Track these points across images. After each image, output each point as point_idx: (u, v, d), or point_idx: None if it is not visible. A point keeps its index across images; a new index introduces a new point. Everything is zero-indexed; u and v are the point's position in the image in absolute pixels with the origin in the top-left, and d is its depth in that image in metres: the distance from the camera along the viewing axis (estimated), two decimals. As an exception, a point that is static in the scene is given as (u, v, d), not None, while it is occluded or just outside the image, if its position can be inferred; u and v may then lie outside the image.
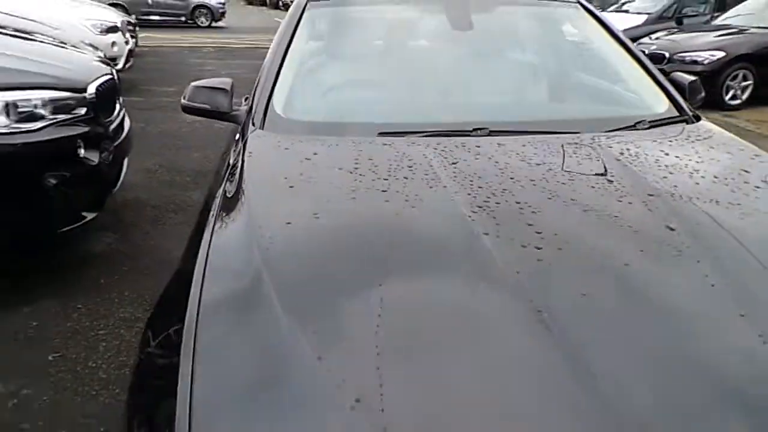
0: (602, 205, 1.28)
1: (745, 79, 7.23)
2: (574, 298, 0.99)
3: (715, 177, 1.48)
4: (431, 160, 1.47)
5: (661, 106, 1.97)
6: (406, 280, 1.07)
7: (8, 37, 3.02)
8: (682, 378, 0.85)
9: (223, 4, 20.12)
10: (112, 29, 7.08)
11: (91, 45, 5.73)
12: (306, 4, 2.21)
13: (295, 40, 2.07)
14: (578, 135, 1.66)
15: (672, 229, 1.19)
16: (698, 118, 1.94)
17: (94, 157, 2.66)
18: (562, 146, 1.59)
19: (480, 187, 1.33)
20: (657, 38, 8.00)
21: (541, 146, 1.59)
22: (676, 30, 8.41)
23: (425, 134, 1.64)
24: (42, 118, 2.45)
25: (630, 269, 1.08)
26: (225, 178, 1.52)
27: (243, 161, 1.52)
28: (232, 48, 12.95)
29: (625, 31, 8.37)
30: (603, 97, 2.09)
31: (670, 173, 1.46)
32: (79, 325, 2.43)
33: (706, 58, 7.14)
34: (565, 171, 1.44)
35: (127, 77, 7.76)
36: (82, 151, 2.60)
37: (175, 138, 5.32)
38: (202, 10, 19.15)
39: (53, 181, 2.43)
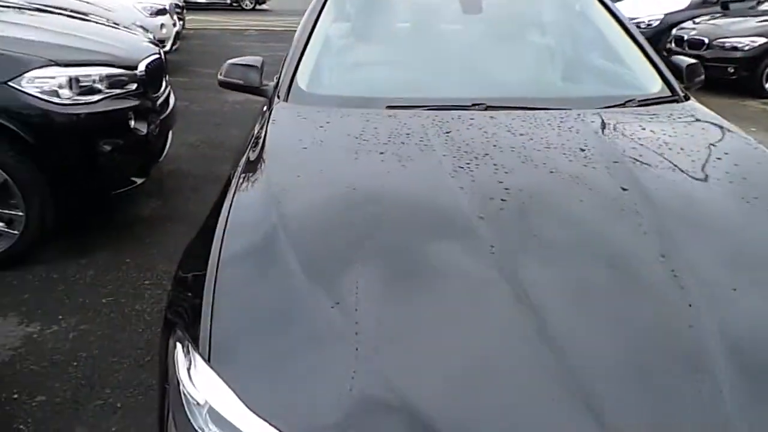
0: (568, 168, 1.48)
1: (787, 66, 7.05)
2: (524, 238, 1.20)
3: (682, 149, 1.64)
4: (428, 130, 1.68)
5: (654, 86, 2.11)
6: (393, 222, 1.31)
7: (69, 19, 3.37)
8: (607, 300, 1.07)
9: (268, -15, 20.52)
10: (161, 12, 7.49)
11: (141, 26, 6.13)
12: (330, -9, 2.43)
13: (319, 22, 2.30)
14: (567, 111, 1.84)
15: (625, 190, 1.38)
16: (687, 98, 2.07)
17: (143, 128, 2.98)
18: (549, 121, 1.77)
19: (465, 152, 1.54)
20: (697, 23, 7.84)
21: (529, 120, 1.78)
22: (719, 15, 8.21)
23: (428, 108, 1.85)
24: (99, 91, 2.77)
25: (577, 218, 1.28)
26: (250, 143, 1.77)
27: (267, 128, 1.77)
28: (274, 30, 13.27)
29: (667, 15, 8.20)
30: (599, 77, 2.24)
31: (640, 145, 1.63)
32: (127, 275, 2.77)
33: (747, 44, 7.01)
34: (545, 141, 1.64)
35: (174, 58, 8.17)
36: (132, 123, 2.92)
37: (216, 116, 5.65)
38: (246, -7, 19.62)
39: (108, 148, 2.76)
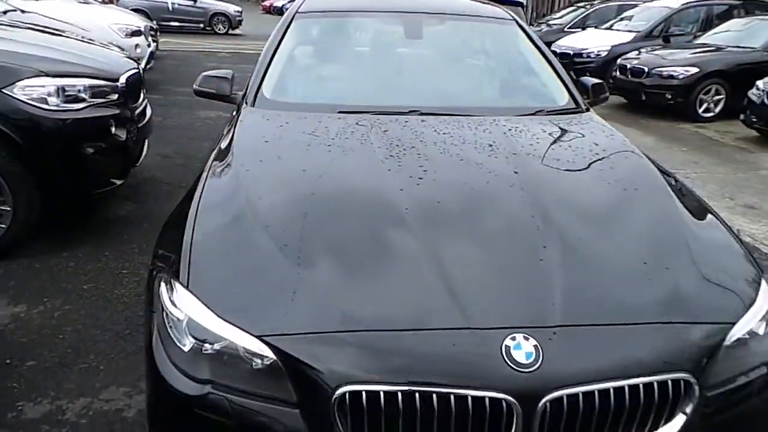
0: (476, 157, 1.87)
1: (717, 93, 7.75)
2: (431, 202, 1.59)
3: (569, 146, 2.06)
4: (369, 129, 2.06)
5: (562, 100, 2.55)
6: (333, 191, 1.68)
7: (56, 36, 3.68)
8: (483, 229, 1.53)
9: (240, 12, 20.96)
10: (136, 33, 7.79)
11: (117, 46, 6.42)
12: (294, 16, 2.83)
13: (283, 42, 2.67)
14: (485, 117, 2.25)
15: (516, 173, 1.78)
16: (588, 110, 2.51)
17: (123, 135, 3.29)
18: (469, 124, 2.17)
19: (396, 146, 1.92)
20: (639, 54, 8.55)
21: (453, 124, 2.17)
22: (659, 47, 8.95)
23: (372, 113, 2.24)
24: (84, 100, 3.07)
25: (473, 189, 1.68)
26: (221, 139, 2.12)
27: (235, 127, 2.12)
28: (246, 54, 13.63)
29: (614, 46, 8.89)
30: (517, 91, 2.67)
31: (537, 142, 2.05)
32: (107, 265, 3.05)
33: (681, 73, 7.68)
34: (462, 139, 2.03)
35: (149, 77, 8.41)
36: (113, 129, 3.22)
37: (189, 130, 5.96)
38: (220, 17, 19.99)
39: (91, 151, 3.05)
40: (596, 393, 1.16)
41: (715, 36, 8.69)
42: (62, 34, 4.10)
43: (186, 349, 1.30)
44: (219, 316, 1.27)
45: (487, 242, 1.47)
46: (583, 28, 11.80)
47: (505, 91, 2.67)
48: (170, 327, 1.35)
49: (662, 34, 9.91)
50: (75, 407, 2.03)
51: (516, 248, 1.45)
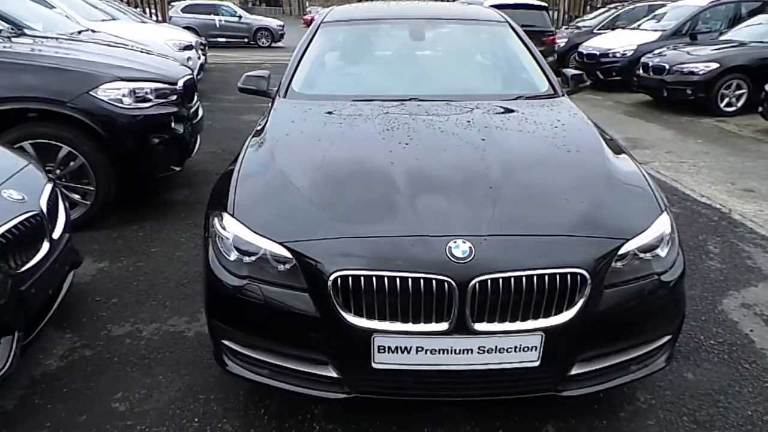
0: (454, 130, 2.38)
1: (739, 88, 7.91)
2: (410, 158, 2.12)
3: (535, 121, 2.54)
4: (374, 111, 2.61)
5: (543, 87, 3.02)
6: (338, 152, 2.23)
7: (125, 49, 4.40)
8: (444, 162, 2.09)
9: (282, 26, 22.04)
10: (188, 47, 8.65)
11: (173, 58, 7.23)
12: (320, 24, 3.42)
13: (311, 46, 3.26)
14: (471, 102, 2.75)
15: (483, 140, 2.28)
16: (563, 96, 2.97)
17: (180, 129, 3.95)
18: (457, 107, 2.68)
19: (393, 122, 2.46)
20: (659, 52, 8.78)
21: (444, 107, 2.69)
22: (683, 45, 9.14)
23: (379, 100, 2.78)
24: (150, 100, 3.75)
25: (446, 149, 2.20)
26: (259, 122, 2.71)
27: (270, 112, 2.71)
28: (286, 64, 14.46)
29: (640, 45, 9.17)
30: (504, 81, 3.16)
31: (508, 119, 2.54)
32: (168, 235, 3.70)
33: (702, 69, 7.89)
34: (447, 117, 2.55)
35: (198, 87, 9.32)
36: (173, 124, 3.89)
37: (234, 131, 6.66)
38: (263, 32, 21.13)
39: (156, 141, 3.72)
40: (512, 279, 1.65)
41: (739, 32, 8.81)
42: (128, 47, 4.85)
43: (232, 259, 1.87)
44: (254, 231, 1.83)
45: (447, 181, 2.00)
46: (613, 29, 12.02)
47: (493, 81, 3.16)
48: (221, 245, 1.92)
49: (689, 32, 10.06)
50: (149, 329, 2.64)
51: (468, 185, 1.97)
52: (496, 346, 1.71)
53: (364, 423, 2.05)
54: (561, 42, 12.16)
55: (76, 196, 3.65)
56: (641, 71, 8.82)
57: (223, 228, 1.92)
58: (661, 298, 1.87)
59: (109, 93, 3.57)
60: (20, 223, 2.04)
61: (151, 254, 3.44)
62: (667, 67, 8.24)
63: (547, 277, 1.67)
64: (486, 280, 1.65)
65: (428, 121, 2.51)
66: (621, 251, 1.79)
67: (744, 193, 4.71)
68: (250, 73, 3.23)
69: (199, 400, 2.18)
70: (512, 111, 2.67)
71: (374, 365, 1.73)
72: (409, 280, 1.65)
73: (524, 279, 1.66)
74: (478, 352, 1.71)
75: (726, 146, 6.35)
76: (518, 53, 3.28)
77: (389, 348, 1.71)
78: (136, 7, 14.30)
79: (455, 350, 1.71)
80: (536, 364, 1.74)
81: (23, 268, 2.02)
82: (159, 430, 2.02)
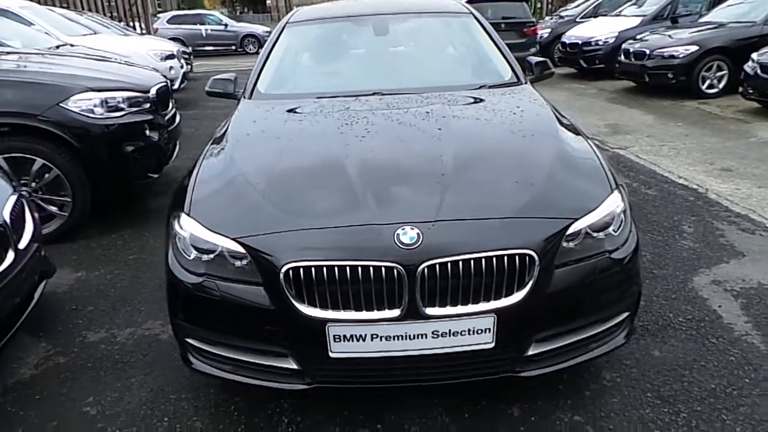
0: (411, 121, 2.41)
1: (719, 69, 7.94)
2: (365, 150, 2.15)
3: (493, 109, 2.56)
4: (334, 107, 2.63)
5: (506, 76, 3.05)
6: (296, 148, 2.25)
7: (99, 61, 4.43)
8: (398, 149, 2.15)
9: (269, 32, 22.01)
10: (170, 57, 8.68)
11: (154, 69, 7.27)
12: (285, 25, 3.44)
13: (276, 47, 3.29)
14: (431, 93, 2.77)
15: (440, 129, 2.30)
16: (526, 83, 2.99)
17: (155, 136, 3.98)
18: (417, 99, 2.70)
19: (352, 116, 2.48)
20: (640, 38, 8.81)
21: (403, 99, 2.71)
22: (663, 29, 9.16)
23: (341, 96, 2.80)
24: (122, 109, 3.77)
25: (401, 141, 2.23)
26: (222, 126, 2.74)
27: (233, 113, 2.74)
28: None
29: (621, 32, 9.19)
30: (467, 71, 3.17)
31: (467, 107, 2.57)
32: (147, 242, 3.72)
33: (681, 53, 7.92)
34: (406, 109, 2.57)
35: (184, 96, 9.36)
36: (147, 132, 3.91)
37: (218, 138, 6.69)
38: (250, 38, 21.16)
39: (130, 149, 3.74)
40: (460, 262, 1.67)
41: (719, 13, 8.83)
42: (104, 59, 4.88)
43: (191, 258, 1.89)
44: (209, 229, 1.85)
45: (400, 170, 2.03)
46: (596, 17, 12.05)
47: (456, 71, 3.18)
48: (180, 244, 1.94)
49: (669, 15, 10.10)
50: (124, 333, 2.67)
51: (420, 173, 2.00)
52: (449, 330, 1.73)
53: (330, 413, 2.07)
54: (544, 33, 12.20)
55: (54, 208, 3.68)
56: (623, 57, 8.85)
57: (181, 227, 1.95)
58: (615, 276, 1.89)
59: (80, 104, 3.59)
60: (-18, 233, 2.06)
61: (129, 261, 3.46)
62: (647, 52, 8.27)
63: (495, 259, 1.69)
64: (434, 264, 1.67)
65: (387, 114, 2.53)
66: (570, 231, 1.81)
67: (722, 172, 4.73)
68: (216, 77, 3.26)
69: (170, 399, 2.20)
70: (473, 100, 2.70)
71: (331, 354, 1.75)
72: (359, 268, 1.67)
73: (472, 262, 1.68)
74: (432, 337, 1.73)
75: (706, 128, 6.37)
76: (482, 43, 3.30)
77: (344, 337, 1.73)
78: (120, 21, 14.34)
79: (409, 336, 1.73)
80: (491, 345, 1.76)
81: (-15, 279, 2.04)
82: (129, 431, 2.04)
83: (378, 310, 1.71)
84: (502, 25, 9.79)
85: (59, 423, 2.09)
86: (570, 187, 1.98)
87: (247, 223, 1.85)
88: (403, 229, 1.72)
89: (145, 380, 2.32)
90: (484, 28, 3.37)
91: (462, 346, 1.75)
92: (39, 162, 3.53)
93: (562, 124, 2.42)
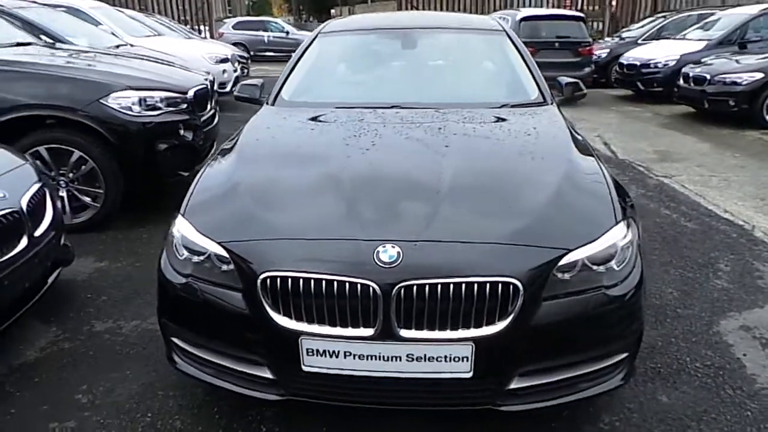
0: (420, 136, 2.37)
1: (787, 99, 7.43)
2: (364, 164, 2.12)
3: (509, 128, 2.48)
4: (349, 117, 2.62)
5: (533, 95, 2.95)
6: (299, 157, 2.25)
7: (143, 61, 4.63)
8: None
9: (328, 40, 22.51)
10: (224, 60, 8.97)
11: (207, 72, 7.54)
12: (317, 35, 3.48)
13: (305, 56, 3.32)
14: (450, 109, 2.72)
15: (447, 146, 2.25)
16: (552, 103, 2.88)
17: (189, 135, 4.10)
18: (433, 114, 2.66)
19: (363, 128, 2.47)
20: (702, 62, 8.39)
21: (420, 113, 2.67)
22: (729, 54, 8.69)
23: (360, 108, 2.79)
24: (159, 108, 3.91)
25: (403, 156, 2.19)
26: (239, 130, 2.78)
27: (250, 119, 2.78)
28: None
29: (683, 55, 8.80)
30: (492, 89, 3.09)
31: (481, 125, 2.50)
32: (170, 238, 3.82)
33: (745, 80, 7.48)
34: (419, 124, 2.53)
35: (232, 98, 9.66)
36: (181, 131, 4.04)
37: (259, 141, 6.85)
38: (309, 46, 21.63)
39: (163, 146, 3.87)
40: (438, 286, 1.61)
41: (792, 40, 8.32)
42: (150, 60, 5.09)
43: (181, 258, 1.92)
44: (199, 232, 1.87)
45: (394, 186, 2.00)
46: (658, 40, 11.59)
47: (479, 89, 3.10)
48: (173, 243, 1.97)
49: (737, 40, 9.58)
50: (129, 326, 2.74)
51: (415, 191, 1.95)
52: (425, 355, 1.67)
53: (310, 427, 2.04)
54: (602, 53, 11.84)
55: (87, 199, 3.84)
56: (682, 82, 8.44)
57: (176, 228, 1.98)
58: (611, 313, 1.78)
59: (120, 101, 3.75)
60: (-4, 219, 2.17)
61: (151, 255, 3.54)
62: (708, 77, 7.85)
63: (476, 285, 1.62)
64: (411, 285, 1.61)
65: (398, 128, 2.50)
66: (564, 261, 1.71)
67: (774, 210, 4.41)
68: (245, 82, 3.32)
69: (158, 396, 2.23)
70: (490, 119, 2.62)
71: (304, 368, 1.72)
72: (335, 283, 1.64)
73: (451, 286, 1.62)
74: (407, 360, 1.67)
75: (765, 161, 5.97)
76: (512, 62, 3.21)
77: (317, 351, 1.70)
78: (185, 24, 15.01)
79: (383, 356, 1.68)
80: (469, 375, 1.68)
81: (-5, 261, 2.14)
82: (112, 423, 2.08)
83: (352, 327, 1.66)
84: (556, 44, 9.57)
85: (50, 407, 2.16)
86: (570, 215, 1.88)
87: (233, 229, 1.85)
88: (384, 246, 1.67)
89: (138, 374, 2.36)
90: (517, 47, 3.28)
91: (438, 372, 1.68)
92: (76, 154, 3.70)
93: (578, 148, 2.31)
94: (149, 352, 2.51)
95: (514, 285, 1.63)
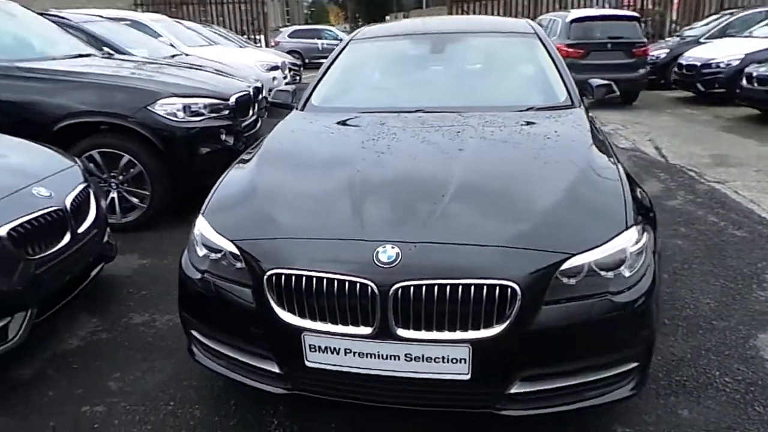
0: (437, 140, 2.40)
1: None
2: (376, 168, 2.17)
3: (529, 132, 2.45)
4: (371, 122, 2.68)
5: (561, 98, 2.91)
6: (316, 161, 2.32)
7: (190, 69, 4.87)
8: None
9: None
10: (275, 68, 9.27)
11: (257, 79, 7.82)
12: (349, 42, 3.56)
13: (336, 62, 3.41)
14: (472, 113, 2.72)
15: (461, 150, 2.26)
16: (579, 107, 2.82)
17: (230, 140, 4.28)
18: (455, 118, 2.67)
19: (382, 132, 2.51)
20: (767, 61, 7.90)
21: (441, 117, 2.69)
22: (799, 53, 8.14)
23: (384, 112, 2.84)
24: (202, 114, 4.12)
25: (415, 159, 2.22)
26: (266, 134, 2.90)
27: (278, 124, 2.88)
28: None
29: (748, 54, 8.37)
30: (517, 92, 3.05)
31: (500, 128, 2.48)
32: (210, 238, 4.00)
33: (813, 80, 6.99)
34: (438, 127, 2.55)
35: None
36: (223, 136, 4.23)
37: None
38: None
39: (205, 150, 4.07)
40: (435, 287, 1.63)
41: None
42: (202, 68, 5.35)
43: (200, 254, 2.03)
44: (216, 230, 1.98)
45: (402, 188, 2.03)
46: (723, 38, 10.99)
47: (505, 92, 3.06)
48: (194, 241, 2.09)
49: (811, 39, 8.96)
50: (162, 319, 2.90)
51: (422, 193, 1.98)
52: (423, 355, 1.69)
53: (321, 423, 2.10)
54: (661, 53, 11.35)
55: (135, 200, 4.09)
56: (744, 82, 7.97)
57: (197, 227, 2.10)
58: (617, 321, 1.73)
59: (166, 108, 3.97)
60: (41, 216, 2.36)
61: (190, 254, 3.74)
62: (774, 77, 7.39)
63: (472, 287, 1.63)
64: (408, 286, 1.64)
65: (417, 131, 2.53)
66: (567, 266, 1.69)
67: (834, 218, 4.10)
68: (279, 88, 3.45)
69: (181, 385, 2.36)
70: (512, 122, 2.60)
71: (307, 363, 1.78)
72: (335, 281, 1.69)
73: (448, 288, 1.63)
74: (405, 360, 1.70)
75: (832, 167, 5.55)
76: (542, 65, 3.17)
77: (319, 347, 1.75)
78: (242, 34, 15.58)
79: (382, 355, 1.71)
80: (466, 377, 1.69)
81: (39, 255, 2.33)
82: (137, 409, 2.22)
83: (352, 325, 1.71)
84: (608, 45, 9.27)
85: (84, 391, 2.33)
86: (578, 219, 1.85)
87: (246, 228, 1.94)
88: (384, 246, 1.71)
89: (165, 364, 2.50)
90: (548, 50, 3.23)
91: (435, 373, 1.70)
92: (126, 158, 3.95)
93: (599, 151, 2.26)
94: (178, 345, 2.65)
95: (512, 288, 1.63)
